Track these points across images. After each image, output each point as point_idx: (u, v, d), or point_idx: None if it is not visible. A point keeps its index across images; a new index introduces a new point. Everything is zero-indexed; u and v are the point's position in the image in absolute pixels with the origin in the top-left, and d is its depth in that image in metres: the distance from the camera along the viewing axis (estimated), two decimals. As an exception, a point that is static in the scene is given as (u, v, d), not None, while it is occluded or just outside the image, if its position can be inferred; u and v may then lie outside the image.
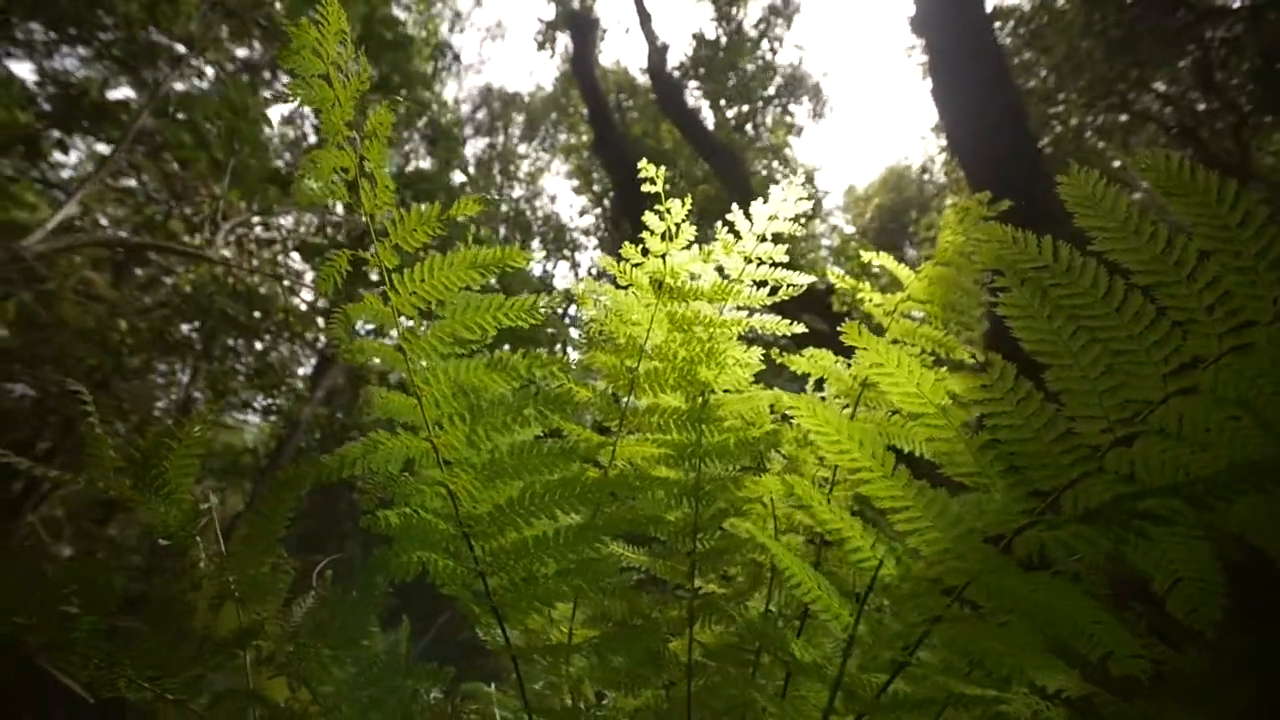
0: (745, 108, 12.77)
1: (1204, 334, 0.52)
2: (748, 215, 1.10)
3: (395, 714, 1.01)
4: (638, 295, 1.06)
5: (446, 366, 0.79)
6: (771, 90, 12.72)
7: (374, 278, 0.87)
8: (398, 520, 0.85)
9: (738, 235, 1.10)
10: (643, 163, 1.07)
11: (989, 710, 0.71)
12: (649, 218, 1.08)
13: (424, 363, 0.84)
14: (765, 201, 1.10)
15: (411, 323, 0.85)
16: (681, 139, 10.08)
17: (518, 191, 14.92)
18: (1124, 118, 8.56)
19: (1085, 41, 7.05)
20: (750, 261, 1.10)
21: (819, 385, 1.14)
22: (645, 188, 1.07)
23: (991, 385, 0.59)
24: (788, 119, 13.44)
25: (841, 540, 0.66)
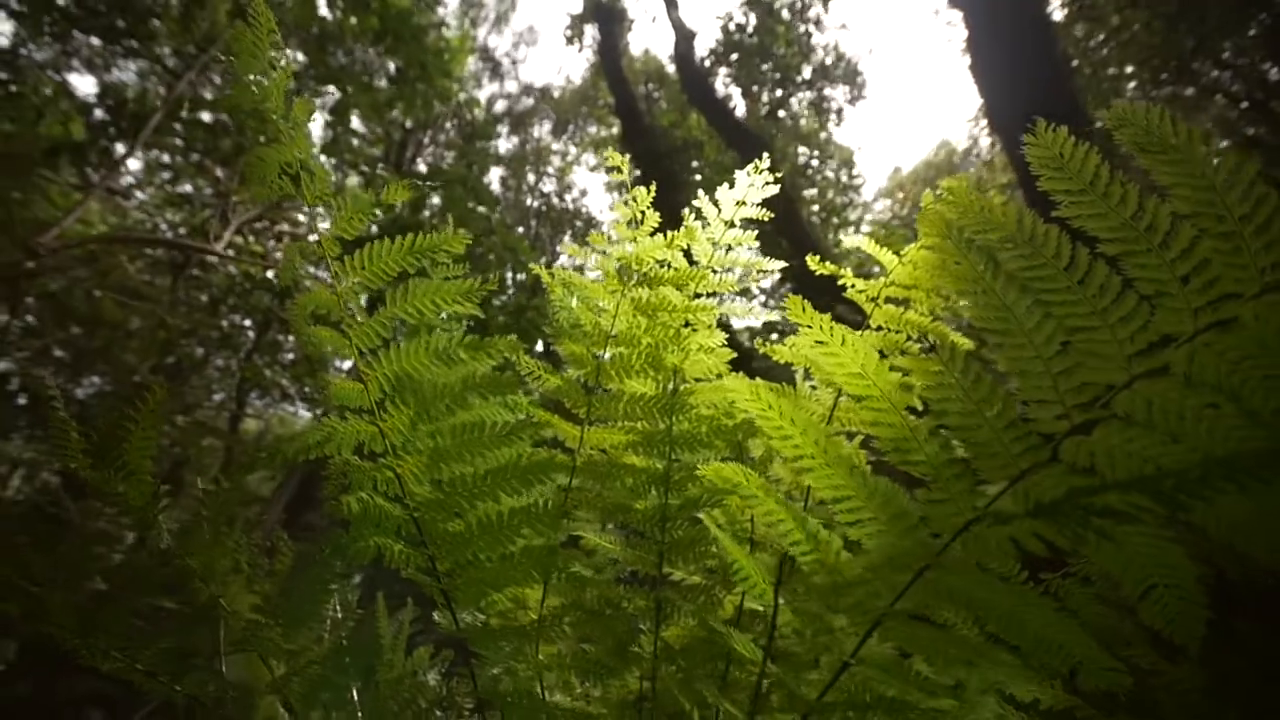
0: (779, 93, 12.48)
1: (1176, 309, 0.46)
2: (715, 202, 1.06)
3: (386, 695, 1.01)
4: (604, 282, 1.04)
5: (389, 351, 0.78)
6: (807, 74, 12.38)
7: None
8: (356, 505, 0.85)
9: (706, 222, 1.06)
10: (609, 151, 1.04)
11: (952, 719, 0.66)
12: (616, 205, 1.05)
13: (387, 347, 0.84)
14: (731, 187, 1.05)
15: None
16: (710, 128, 9.92)
17: (549, 186, 15.00)
18: (1189, 91, 7.97)
19: (1141, 11, 6.57)
20: (719, 247, 1.06)
21: (807, 375, 1.08)
22: (614, 176, 1.04)
23: (941, 367, 0.54)
24: (824, 103, 13.07)
25: (783, 533, 0.62)
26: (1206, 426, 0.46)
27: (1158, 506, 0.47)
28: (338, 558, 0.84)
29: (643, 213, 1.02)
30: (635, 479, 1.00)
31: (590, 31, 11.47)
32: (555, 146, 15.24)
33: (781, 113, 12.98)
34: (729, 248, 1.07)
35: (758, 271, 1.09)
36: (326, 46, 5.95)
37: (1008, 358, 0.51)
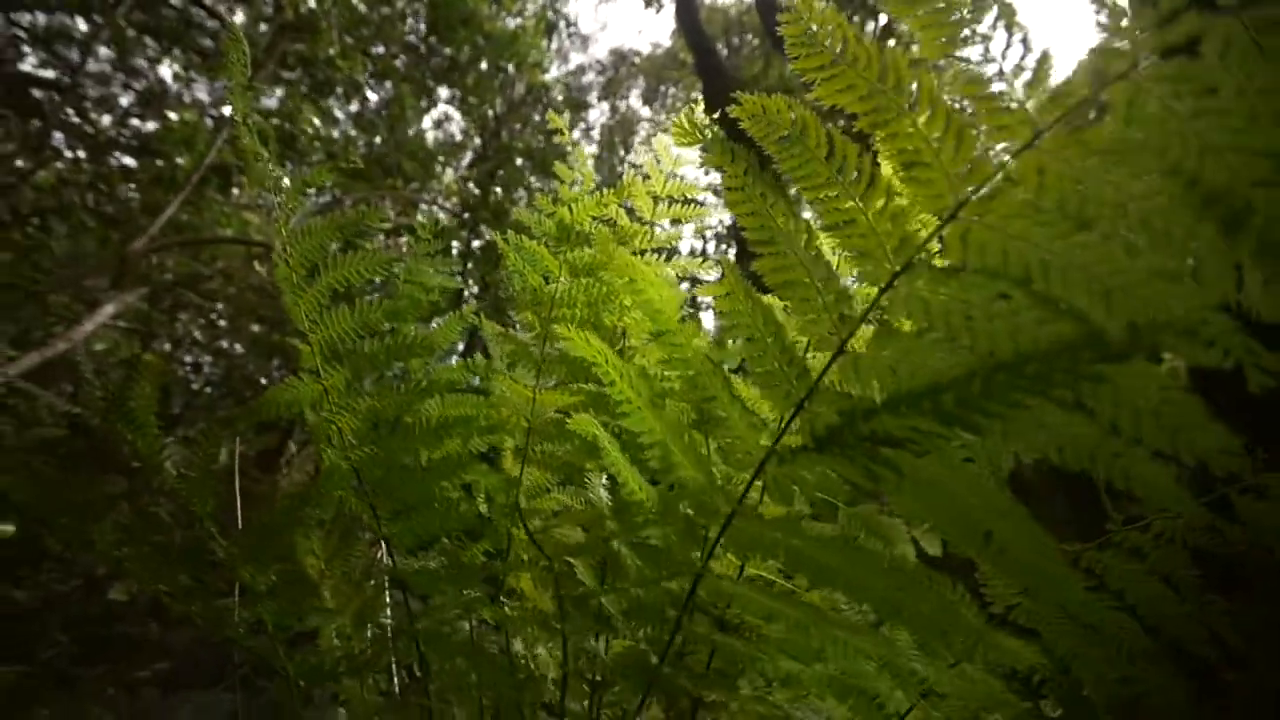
0: (883, 19, 11.20)
1: (931, 179, 0.36)
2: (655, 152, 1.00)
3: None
4: (549, 244, 1.03)
5: (324, 318, 0.87)
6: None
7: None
8: (326, 459, 0.96)
9: (646, 175, 1.00)
10: (550, 114, 1.03)
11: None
12: (559, 167, 1.03)
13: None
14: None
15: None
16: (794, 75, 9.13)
17: (641, 157, 14.91)
18: None
19: None
20: (661, 200, 1.00)
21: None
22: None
23: (727, 292, 0.48)
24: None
25: (623, 486, 0.59)
26: (1002, 324, 0.36)
27: (944, 429, 0.39)
28: (306, 505, 0.96)
29: (583, 173, 1.00)
30: (584, 440, 1.00)
31: (669, -9, 11.09)
32: (645, 113, 15.03)
33: (891, 42, 11.64)
34: (672, 200, 1.01)
35: (701, 221, 1.02)
36: (377, 44, 6.35)
37: (771, 268, 0.43)
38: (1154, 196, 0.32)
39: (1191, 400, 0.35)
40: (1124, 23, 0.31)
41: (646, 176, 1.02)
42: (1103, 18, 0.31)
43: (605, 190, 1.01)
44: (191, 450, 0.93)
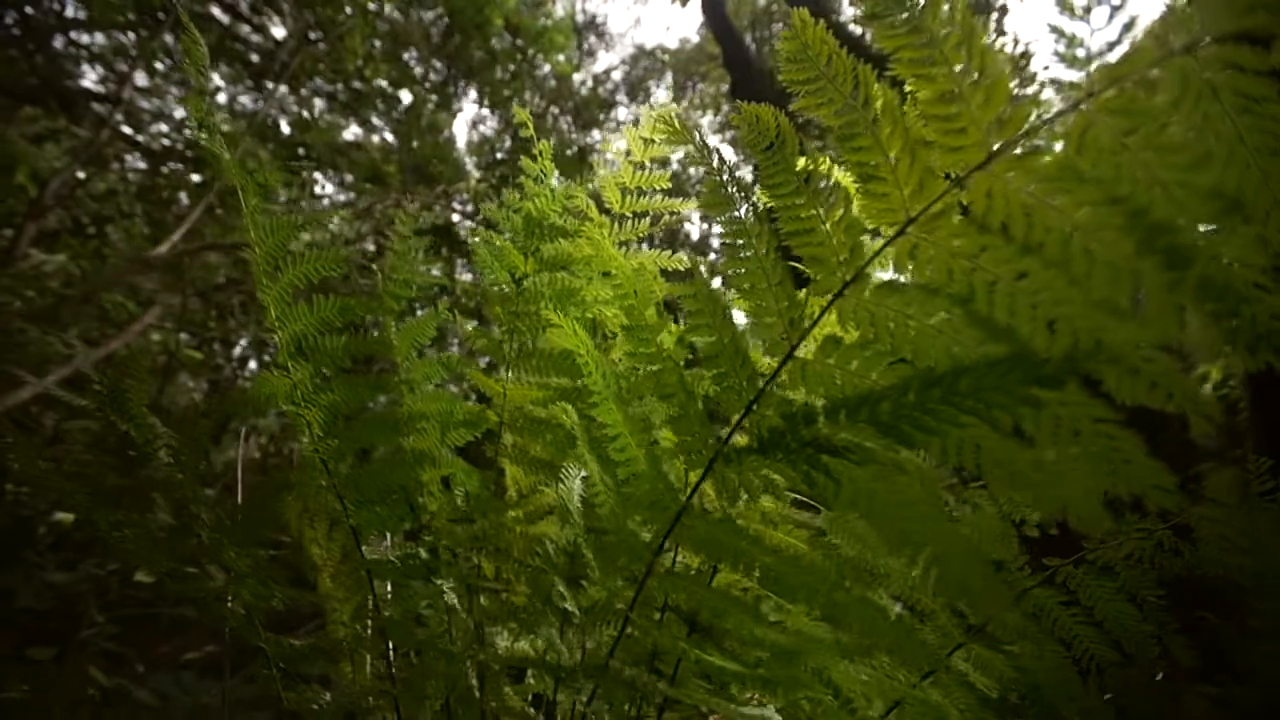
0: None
1: (884, 194, 0.36)
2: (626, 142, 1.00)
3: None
4: (516, 240, 1.03)
5: (287, 314, 0.87)
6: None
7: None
8: (305, 450, 0.98)
9: (617, 165, 1.00)
10: (516, 108, 1.03)
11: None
12: (525, 161, 1.03)
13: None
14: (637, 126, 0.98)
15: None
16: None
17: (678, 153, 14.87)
18: None
19: None
20: (629, 192, 1.00)
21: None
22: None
23: (694, 291, 0.48)
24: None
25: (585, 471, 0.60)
26: (942, 341, 0.37)
27: (879, 439, 0.39)
28: (282, 493, 0.98)
29: (546, 167, 1.00)
30: (556, 435, 1.01)
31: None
32: (674, 109, 14.91)
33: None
34: (640, 191, 1.01)
35: (671, 214, 1.02)
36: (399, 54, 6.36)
37: (734, 270, 0.44)
38: (1099, 227, 0.32)
39: (1129, 435, 0.35)
40: (1079, 51, 0.31)
41: (618, 165, 1.01)
42: (1060, 46, 0.32)
43: (568, 184, 1.00)
44: (177, 439, 0.95)
